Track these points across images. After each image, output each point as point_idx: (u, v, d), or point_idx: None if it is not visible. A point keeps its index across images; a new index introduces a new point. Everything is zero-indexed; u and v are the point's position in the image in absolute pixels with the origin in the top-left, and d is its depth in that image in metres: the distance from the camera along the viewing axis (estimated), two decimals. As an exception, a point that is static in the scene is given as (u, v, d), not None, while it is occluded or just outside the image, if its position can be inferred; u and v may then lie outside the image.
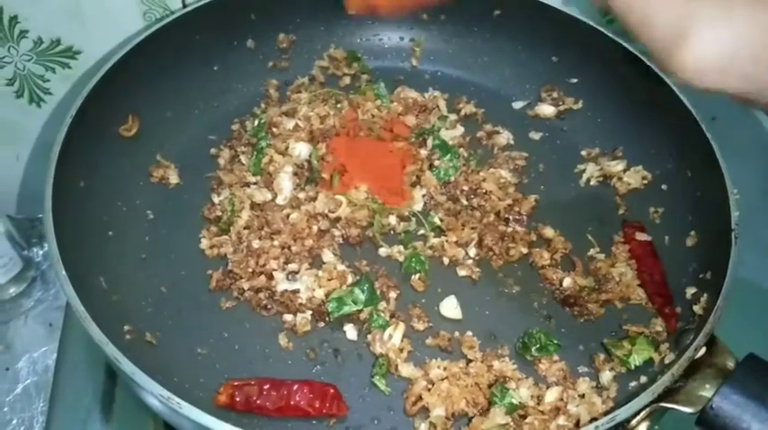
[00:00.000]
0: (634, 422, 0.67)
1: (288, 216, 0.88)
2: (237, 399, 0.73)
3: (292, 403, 0.73)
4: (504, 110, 1.05)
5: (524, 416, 0.74)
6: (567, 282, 0.86)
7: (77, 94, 0.85)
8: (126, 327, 0.77)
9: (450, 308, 0.84)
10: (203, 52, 1.00)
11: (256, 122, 0.99)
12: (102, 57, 0.98)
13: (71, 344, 0.85)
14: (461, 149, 0.98)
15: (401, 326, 0.81)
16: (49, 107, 1.03)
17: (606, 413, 0.66)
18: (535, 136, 1.02)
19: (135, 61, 0.91)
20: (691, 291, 0.82)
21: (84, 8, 0.94)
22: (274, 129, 0.97)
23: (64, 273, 0.72)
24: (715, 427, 0.65)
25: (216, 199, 0.92)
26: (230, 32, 1.02)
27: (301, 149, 0.94)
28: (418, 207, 0.92)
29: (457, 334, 0.82)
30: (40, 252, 1.03)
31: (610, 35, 0.98)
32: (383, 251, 0.88)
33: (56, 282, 0.96)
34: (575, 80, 1.05)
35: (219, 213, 0.90)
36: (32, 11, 0.93)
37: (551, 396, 0.76)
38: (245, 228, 0.88)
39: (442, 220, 0.91)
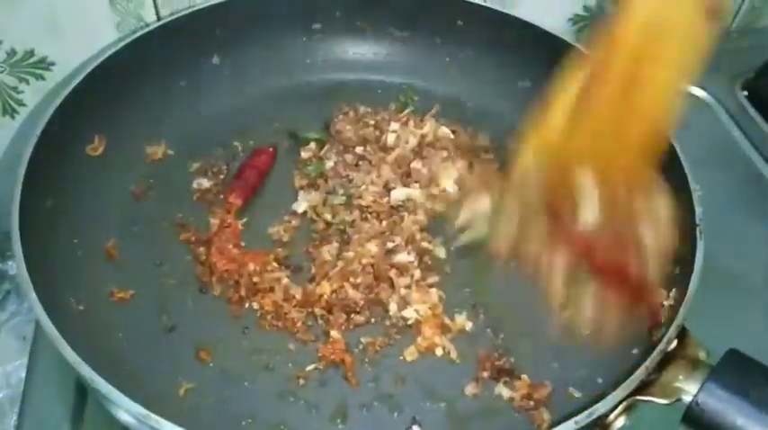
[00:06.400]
0: (612, 417, 0.68)
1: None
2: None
3: None
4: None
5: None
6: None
7: (48, 107, 0.85)
8: (100, 347, 0.76)
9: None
10: (172, 68, 1.00)
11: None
12: (76, 68, 0.97)
13: (41, 358, 0.84)
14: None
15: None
16: (22, 119, 1.02)
17: (583, 409, 0.66)
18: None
19: (103, 78, 0.91)
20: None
21: (58, 19, 0.93)
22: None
23: (34, 295, 0.71)
24: (701, 423, 0.66)
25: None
26: (198, 48, 1.03)
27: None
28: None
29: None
30: (15, 265, 1.01)
31: (571, 42, 1.00)
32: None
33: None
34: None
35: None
36: (5, 22, 0.92)
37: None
38: None
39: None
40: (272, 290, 0.84)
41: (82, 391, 0.82)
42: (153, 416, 0.63)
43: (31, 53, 0.96)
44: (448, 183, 0.95)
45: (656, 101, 0.64)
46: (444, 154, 0.98)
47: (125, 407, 0.64)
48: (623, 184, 0.67)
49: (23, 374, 0.85)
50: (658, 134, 0.66)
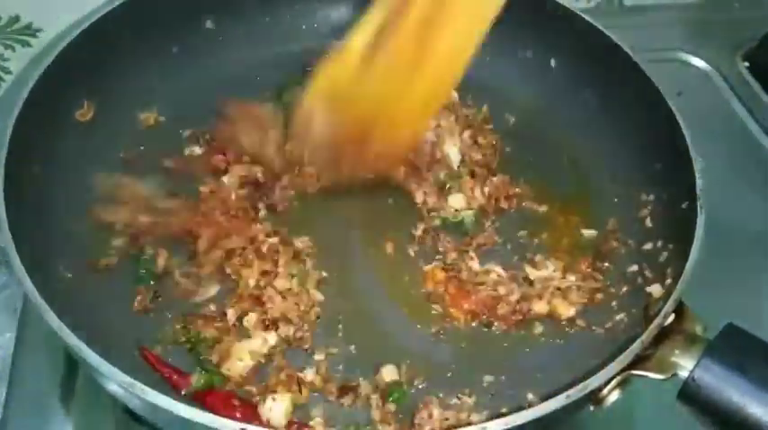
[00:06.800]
0: (606, 391, 0.67)
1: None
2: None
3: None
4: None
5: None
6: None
7: (35, 71, 0.83)
8: (87, 316, 0.75)
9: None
10: (164, 33, 0.98)
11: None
12: (64, 31, 0.94)
13: (30, 329, 0.83)
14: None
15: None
16: (8, 86, 1.00)
17: (579, 381, 0.65)
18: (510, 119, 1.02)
19: (92, 42, 0.88)
20: (660, 260, 0.82)
21: (43, -16, 0.91)
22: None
23: (19, 262, 0.69)
24: (697, 399, 0.65)
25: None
26: (191, 12, 1.00)
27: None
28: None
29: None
30: (4, 237, 1.00)
31: (573, 10, 0.98)
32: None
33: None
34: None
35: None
36: (-10, -12, 0.90)
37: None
38: None
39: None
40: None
41: (72, 362, 0.81)
42: (138, 384, 0.62)
43: (16, 19, 0.94)
44: (452, 151, 0.93)
45: (450, 47, 0.67)
46: (452, 117, 0.96)
47: (111, 377, 0.63)
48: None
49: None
50: (447, 82, 0.70)
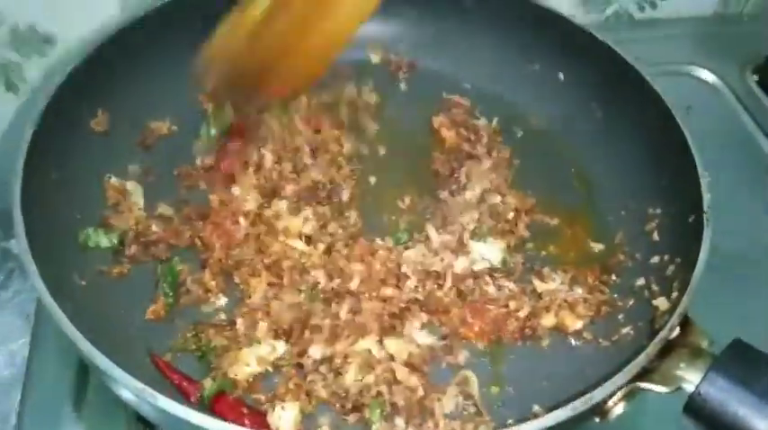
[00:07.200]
0: (611, 403, 0.67)
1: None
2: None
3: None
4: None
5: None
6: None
7: (53, 81, 0.84)
8: (100, 323, 0.76)
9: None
10: (178, 44, 0.99)
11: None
12: (78, 44, 0.96)
13: (43, 335, 0.84)
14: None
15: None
16: (25, 95, 1.01)
17: (584, 393, 0.66)
18: (518, 132, 1.03)
19: (108, 54, 0.90)
20: (667, 274, 0.83)
21: (61, -5, 0.93)
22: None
23: (34, 268, 0.70)
24: (703, 413, 0.65)
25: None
26: (206, 25, 1.01)
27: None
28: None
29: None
30: (18, 242, 1.01)
31: (581, 24, 0.99)
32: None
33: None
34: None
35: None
36: (9, -2, 0.91)
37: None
38: None
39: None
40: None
41: (84, 368, 0.82)
42: (149, 390, 0.63)
43: (33, 30, 0.95)
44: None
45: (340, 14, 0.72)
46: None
47: (123, 382, 0.64)
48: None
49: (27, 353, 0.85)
50: (336, 44, 0.75)
